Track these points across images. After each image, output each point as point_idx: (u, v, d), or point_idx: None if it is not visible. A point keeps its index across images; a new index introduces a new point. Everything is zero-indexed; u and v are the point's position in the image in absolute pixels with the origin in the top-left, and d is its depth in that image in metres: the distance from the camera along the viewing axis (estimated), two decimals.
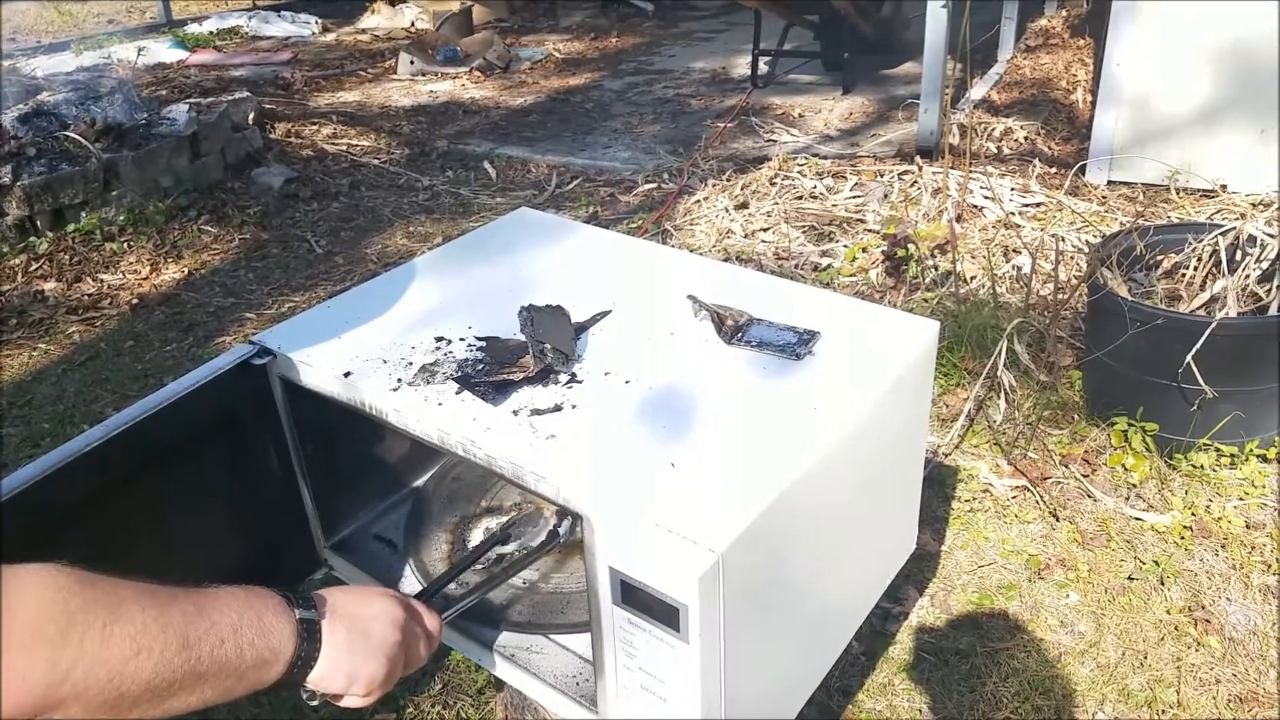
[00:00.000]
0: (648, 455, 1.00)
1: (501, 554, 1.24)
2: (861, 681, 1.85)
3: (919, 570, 2.08)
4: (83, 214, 3.87)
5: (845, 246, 3.39)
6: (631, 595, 0.91)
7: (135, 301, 3.54)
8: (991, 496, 2.29)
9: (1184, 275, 2.40)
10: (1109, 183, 3.88)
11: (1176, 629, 1.91)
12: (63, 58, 6.58)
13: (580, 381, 1.13)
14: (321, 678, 0.83)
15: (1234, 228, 2.37)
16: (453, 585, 1.14)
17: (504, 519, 1.41)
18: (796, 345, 1.16)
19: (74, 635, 0.66)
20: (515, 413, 1.07)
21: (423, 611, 0.97)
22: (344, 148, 5.03)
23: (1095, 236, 3.14)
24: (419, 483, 1.44)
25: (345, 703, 0.89)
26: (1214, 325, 2.08)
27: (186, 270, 3.78)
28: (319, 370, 1.15)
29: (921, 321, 1.22)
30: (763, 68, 5.90)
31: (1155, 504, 2.22)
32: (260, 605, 0.80)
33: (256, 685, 0.79)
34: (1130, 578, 2.04)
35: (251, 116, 4.81)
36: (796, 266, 3.35)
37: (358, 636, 0.87)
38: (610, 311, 1.28)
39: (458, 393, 1.10)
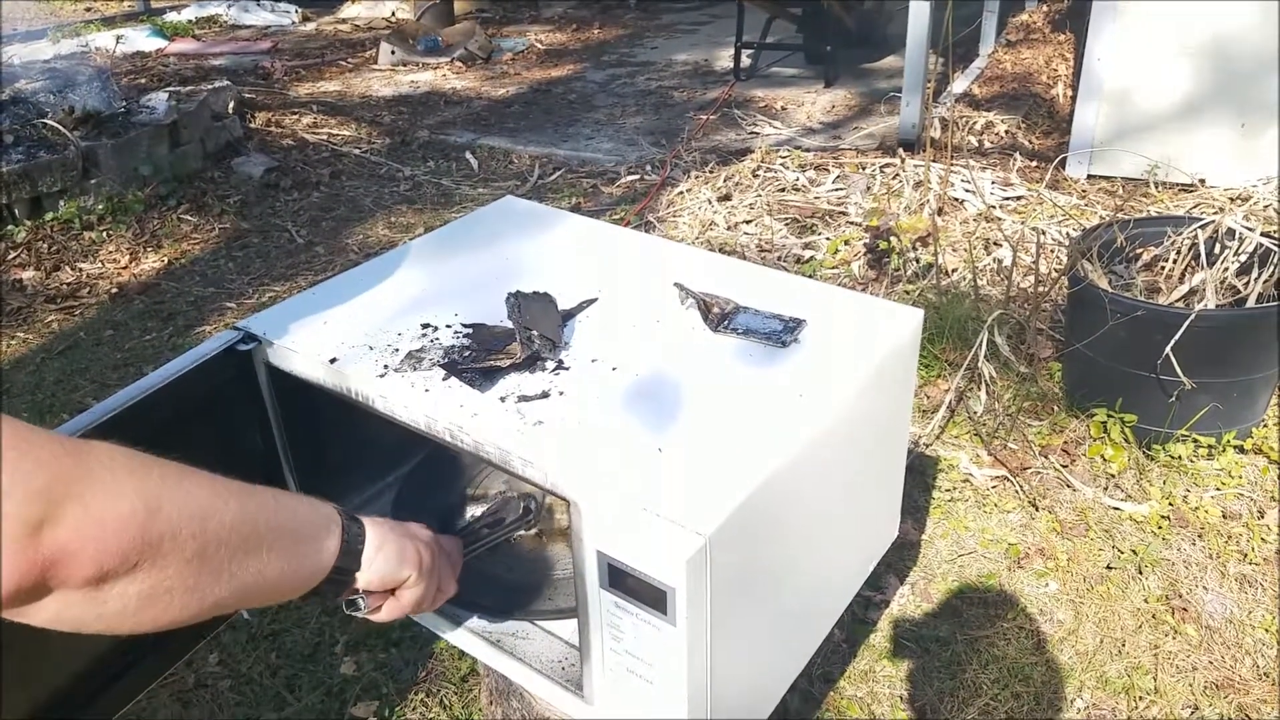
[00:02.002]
0: (635, 441, 1.00)
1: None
2: (843, 669, 1.86)
3: (900, 559, 2.10)
4: (61, 202, 3.82)
5: (827, 239, 3.40)
6: (619, 579, 0.92)
7: (114, 290, 3.50)
8: (972, 486, 2.31)
9: (1163, 268, 2.43)
10: (1089, 176, 3.91)
11: (1154, 617, 1.94)
12: (40, 45, 6.49)
13: (567, 368, 1.13)
14: (373, 554, 0.84)
15: (1213, 221, 2.40)
16: None
17: (489, 506, 1.41)
18: (782, 333, 1.16)
19: (154, 471, 0.65)
20: (502, 399, 1.07)
21: (441, 536, 1.00)
22: (324, 137, 5.00)
23: (1075, 230, 3.17)
24: (404, 470, 1.44)
25: (391, 608, 0.89)
26: (1193, 317, 2.11)
27: (166, 259, 3.74)
28: (304, 356, 1.14)
29: (906, 310, 1.23)
30: (745, 60, 5.90)
31: (1133, 494, 2.25)
32: (293, 493, 0.83)
33: (323, 559, 0.79)
34: (1109, 567, 2.07)
35: (231, 105, 4.76)
36: (779, 259, 3.36)
37: (397, 527, 0.89)
38: (597, 299, 1.28)
39: (444, 379, 1.10)
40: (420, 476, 1.42)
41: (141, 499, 0.62)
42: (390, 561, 0.86)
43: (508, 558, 1.27)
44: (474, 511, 1.39)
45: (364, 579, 0.84)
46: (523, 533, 1.26)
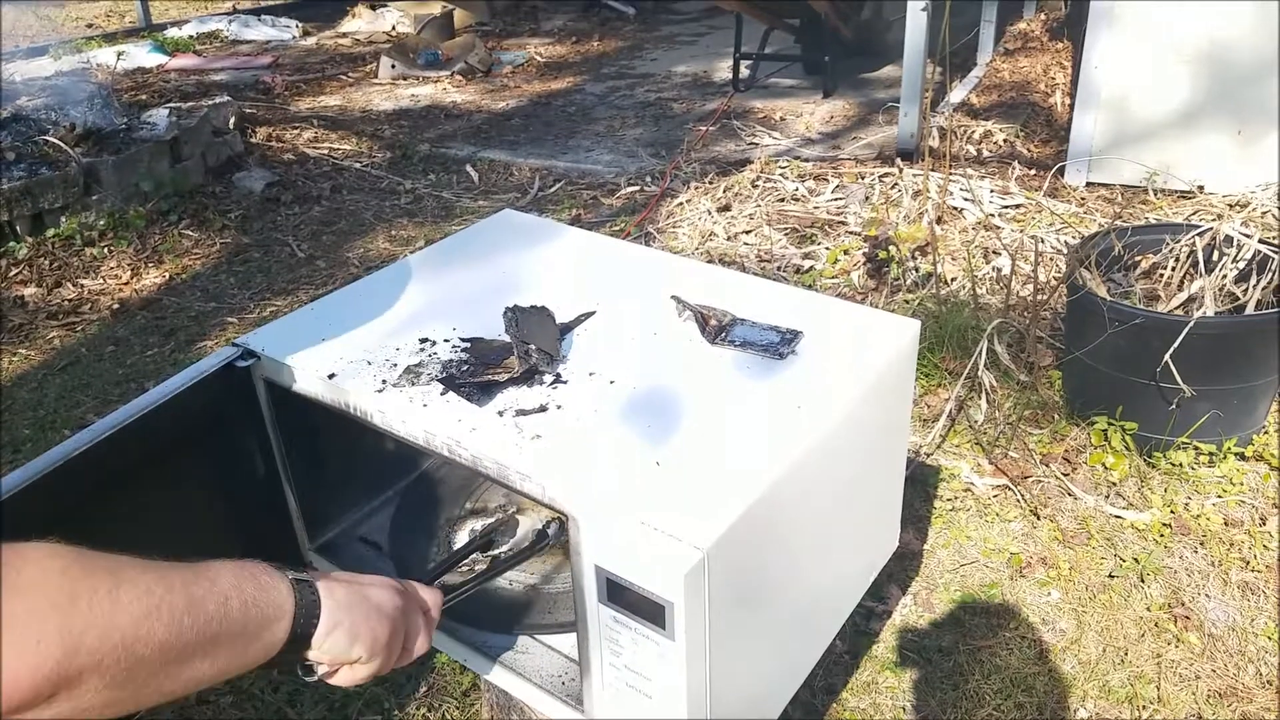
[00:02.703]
0: (633, 454, 1.00)
1: (490, 555, 1.24)
2: (845, 680, 1.86)
3: (902, 569, 2.10)
4: (62, 219, 3.84)
5: (827, 248, 3.41)
6: (618, 593, 0.92)
7: (116, 306, 3.51)
8: (973, 495, 2.31)
9: (1162, 275, 2.43)
10: (1088, 184, 3.92)
11: (1156, 625, 1.94)
12: (41, 62, 6.52)
13: (565, 382, 1.13)
14: (324, 636, 0.82)
15: (1211, 228, 2.40)
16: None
17: (488, 521, 1.41)
18: (779, 345, 1.17)
19: (81, 601, 0.64)
20: (500, 413, 1.07)
21: (419, 587, 0.97)
22: (325, 151, 5.01)
23: (1074, 238, 3.17)
24: (404, 485, 1.44)
25: (346, 676, 0.87)
26: (1192, 324, 2.11)
27: (167, 275, 3.75)
28: (303, 372, 1.15)
29: (902, 321, 1.24)
30: (744, 71, 5.93)
31: (1135, 502, 2.24)
32: (252, 568, 0.80)
33: (267, 650, 0.78)
34: (1111, 575, 2.06)
35: (232, 121, 4.78)
36: (779, 269, 3.37)
37: (356, 597, 0.87)
38: (594, 312, 1.28)
39: (443, 394, 1.10)
40: (419, 490, 1.43)
41: (61, 640, 0.62)
42: (340, 643, 0.84)
43: (509, 572, 1.26)
44: (474, 526, 1.39)
45: (314, 655, 0.83)
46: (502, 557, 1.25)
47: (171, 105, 4.72)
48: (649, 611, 0.90)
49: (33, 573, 0.62)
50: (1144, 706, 1.77)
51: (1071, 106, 4.11)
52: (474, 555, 1.22)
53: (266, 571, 0.80)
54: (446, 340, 1.21)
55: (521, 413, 1.08)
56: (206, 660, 0.72)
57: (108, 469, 1.03)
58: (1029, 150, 4.39)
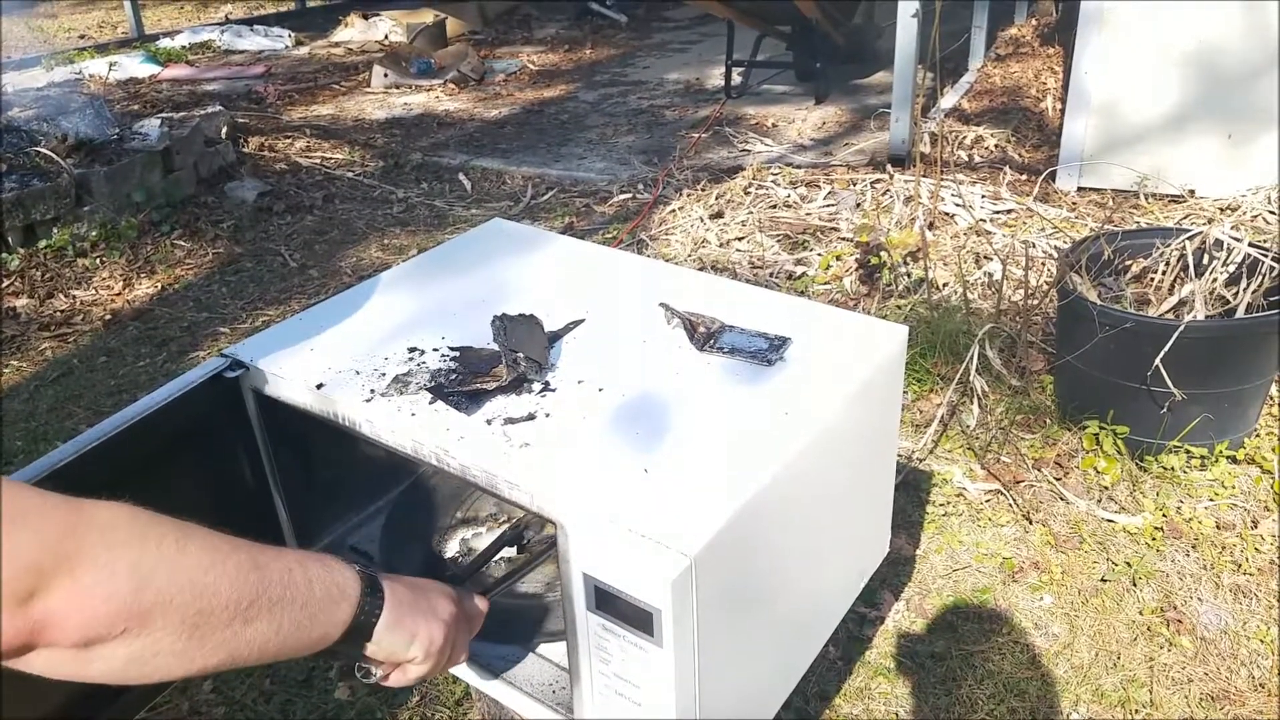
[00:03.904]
0: (621, 462, 1.00)
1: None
2: (838, 686, 1.85)
3: (894, 574, 2.10)
4: (55, 230, 3.83)
5: (819, 255, 3.42)
6: (606, 601, 0.92)
7: (108, 317, 3.51)
8: (965, 500, 2.31)
9: (1152, 280, 2.45)
10: (1079, 189, 3.94)
11: (1149, 629, 1.94)
12: (34, 73, 6.53)
13: (553, 390, 1.13)
14: (385, 632, 0.83)
15: (1201, 232, 2.41)
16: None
17: (480, 530, 1.41)
18: (768, 351, 1.17)
19: (150, 542, 0.66)
20: (489, 422, 1.07)
21: (467, 596, 0.99)
22: (318, 161, 5.02)
23: (1065, 242, 3.18)
24: (394, 494, 1.44)
25: (398, 678, 0.89)
26: (1182, 328, 2.11)
27: (160, 285, 3.75)
28: (291, 382, 1.15)
29: (891, 326, 1.24)
30: (736, 78, 5.95)
31: (1127, 506, 2.25)
32: (319, 554, 0.81)
33: (328, 630, 0.79)
34: (1103, 579, 2.06)
35: (224, 130, 4.79)
36: (771, 275, 3.37)
37: (418, 598, 0.89)
38: (583, 320, 1.28)
39: (431, 403, 1.10)
40: (410, 500, 1.43)
41: (133, 573, 0.64)
42: (400, 641, 0.86)
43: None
44: (465, 535, 1.39)
45: (371, 650, 0.84)
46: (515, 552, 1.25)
47: (164, 115, 4.72)
48: (637, 619, 0.90)
49: (105, 515, 0.65)
50: (1137, 710, 1.77)
51: (1063, 111, 4.13)
52: (506, 549, 1.23)
53: (333, 558, 0.82)
54: (435, 349, 1.21)
55: (510, 421, 1.08)
56: (271, 624, 0.73)
57: (95, 480, 1.03)
58: (1020, 155, 4.41)
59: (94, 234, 3.90)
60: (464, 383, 1.13)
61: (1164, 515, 2.20)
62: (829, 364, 1.16)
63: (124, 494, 1.07)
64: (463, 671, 1.17)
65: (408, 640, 0.86)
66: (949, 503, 2.30)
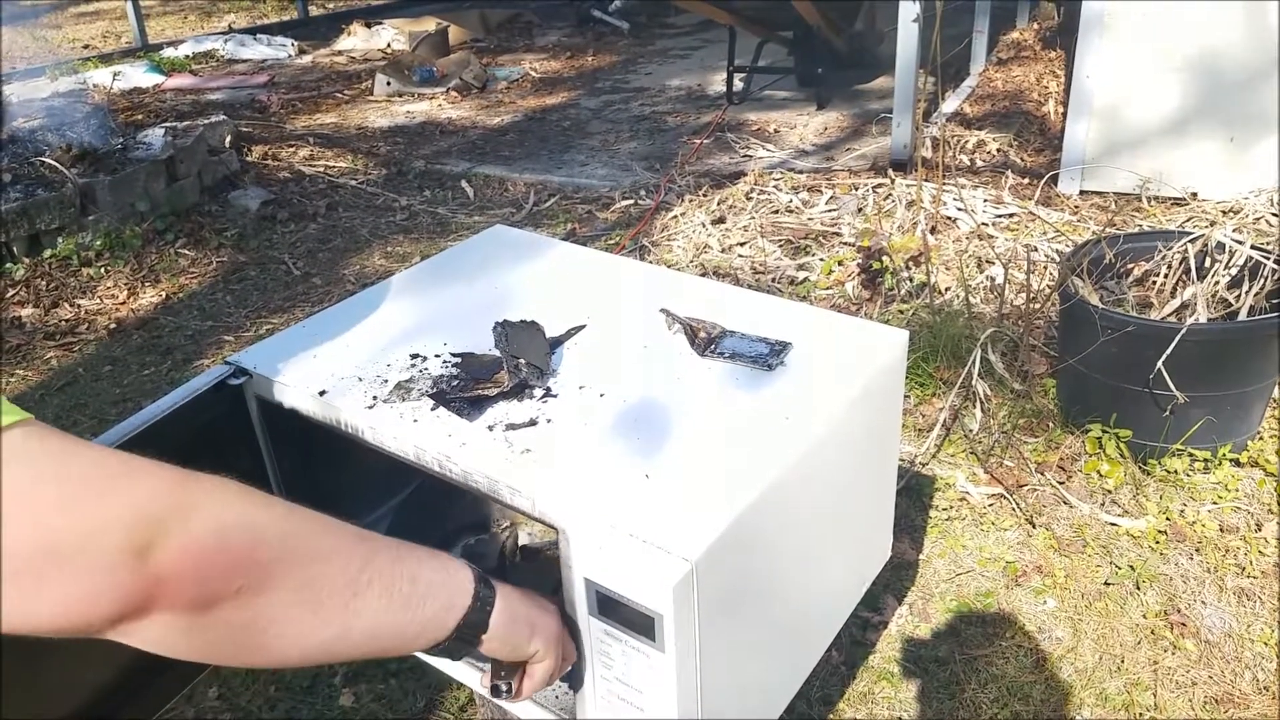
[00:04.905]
0: (622, 467, 1.01)
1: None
2: (842, 690, 1.85)
3: (897, 579, 2.10)
4: (59, 239, 3.85)
5: (821, 260, 3.42)
6: (607, 606, 0.92)
7: (113, 326, 3.52)
8: (968, 505, 2.31)
9: (1155, 283, 2.45)
10: (1081, 193, 3.94)
11: (1153, 633, 1.94)
12: (38, 83, 6.56)
13: (555, 396, 1.14)
14: (503, 627, 0.82)
15: (1203, 235, 2.41)
16: None
17: (483, 535, 1.42)
18: (768, 356, 1.17)
19: (258, 500, 0.66)
20: (490, 428, 1.08)
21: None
22: (321, 169, 5.04)
23: (1067, 246, 3.18)
24: (397, 501, 1.44)
25: (529, 685, 0.89)
26: (1184, 331, 2.11)
27: (164, 294, 3.77)
28: (294, 389, 1.15)
29: (891, 331, 1.24)
30: (738, 84, 5.96)
31: (1130, 509, 2.24)
32: (429, 550, 0.80)
33: (442, 617, 0.77)
34: (1106, 583, 2.06)
35: (228, 139, 4.81)
36: (773, 280, 3.38)
37: (527, 598, 0.88)
38: (585, 326, 1.29)
39: (433, 409, 1.11)
40: (413, 507, 1.43)
41: (246, 526, 0.64)
42: (520, 632, 0.85)
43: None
44: (468, 541, 1.40)
45: (492, 645, 0.83)
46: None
47: (167, 125, 4.74)
48: (639, 624, 0.90)
49: (210, 481, 0.65)
50: (1141, 714, 1.77)
51: (1065, 115, 4.13)
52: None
53: (443, 556, 0.81)
54: (437, 356, 1.22)
55: (511, 427, 1.08)
56: (381, 599, 0.72)
57: None
58: (1022, 159, 4.42)
59: (98, 243, 3.91)
60: (466, 389, 1.14)
61: (1167, 518, 2.20)
62: (830, 369, 1.17)
63: None
64: (466, 676, 1.17)
65: (528, 634, 0.85)
66: (952, 507, 2.30)
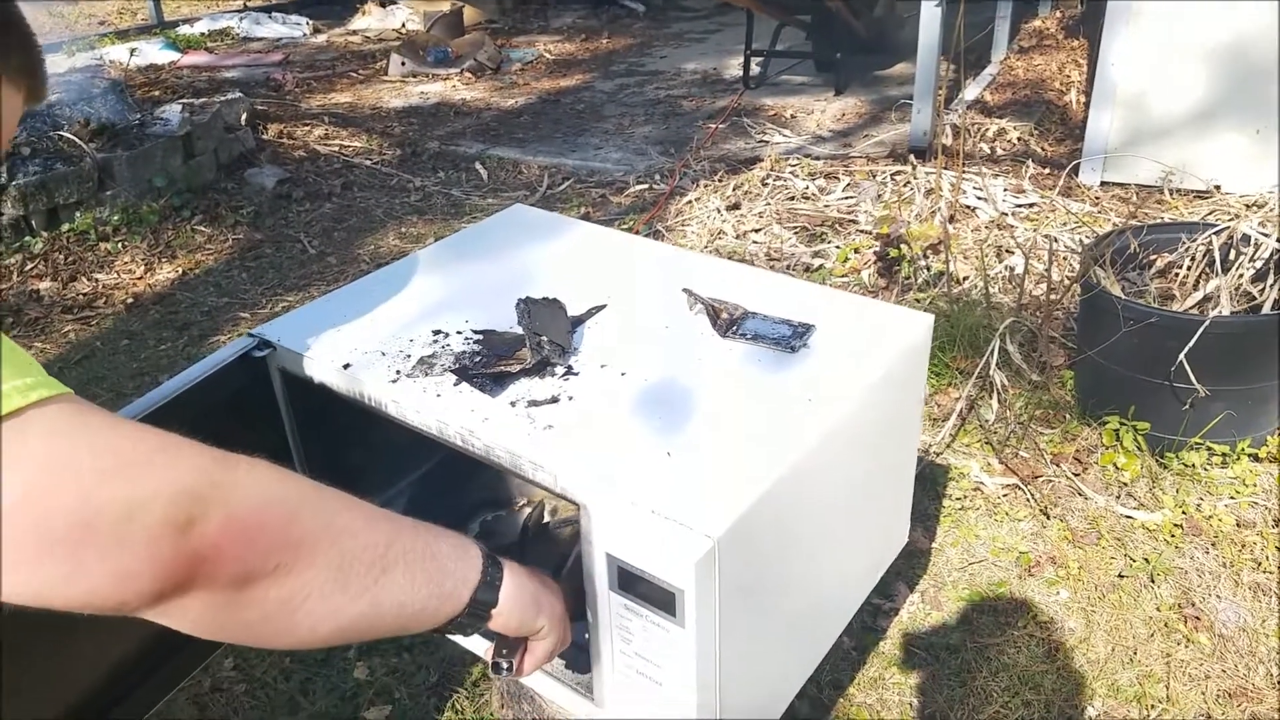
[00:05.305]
0: (644, 445, 1.01)
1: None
2: (852, 676, 1.86)
3: (910, 567, 2.10)
4: (77, 213, 3.86)
5: (837, 247, 3.41)
6: (628, 581, 0.92)
7: (130, 301, 3.54)
8: (983, 495, 2.30)
9: (1177, 275, 2.42)
10: (1102, 183, 3.90)
11: (1166, 625, 1.93)
12: (55, 59, 6.56)
13: (576, 374, 1.14)
14: (511, 601, 0.83)
15: (1228, 227, 2.39)
16: None
17: (500, 512, 1.42)
18: (791, 338, 1.17)
19: (292, 480, 0.68)
20: (513, 404, 1.08)
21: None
22: (336, 149, 5.03)
23: (1088, 237, 3.16)
24: (417, 475, 1.45)
25: (530, 661, 0.90)
26: (1207, 324, 2.10)
27: (181, 270, 3.78)
28: (318, 362, 1.16)
29: (915, 314, 1.24)
30: (755, 68, 5.92)
31: (1146, 502, 2.23)
32: (436, 527, 0.82)
33: (459, 592, 0.79)
34: (1120, 575, 2.05)
35: (244, 117, 4.81)
36: (788, 267, 3.37)
37: (533, 575, 0.90)
38: (606, 305, 1.29)
39: (456, 384, 1.11)
40: (433, 481, 1.44)
41: (283, 503, 0.66)
42: (528, 608, 0.86)
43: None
44: (486, 517, 1.40)
45: (501, 620, 0.84)
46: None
47: (184, 101, 4.74)
48: (660, 599, 0.90)
49: (247, 461, 0.65)
50: (1152, 706, 1.77)
51: (1087, 105, 4.10)
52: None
53: (449, 531, 0.83)
54: (459, 332, 1.22)
55: (533, 403, 1.08)
56: (407, 575, 0.73)
57: None
58: (1043, 149, 4.38)
59: (116, 218, 3.92)
60: (488, 365, 1.14)
61: (1184, 512, 2.19)
62: (853, 351, 1.16)
63: None
64: (478, 647, 1.18)
65: (534, 607, 0.86)
66: (966, 497, 2.30)
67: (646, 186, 4.35)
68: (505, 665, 0.89)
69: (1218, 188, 3.61)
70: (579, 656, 1.09)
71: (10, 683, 0.86)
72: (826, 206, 3.73)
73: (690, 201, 4.00)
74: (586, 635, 1.01)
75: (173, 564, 0.58)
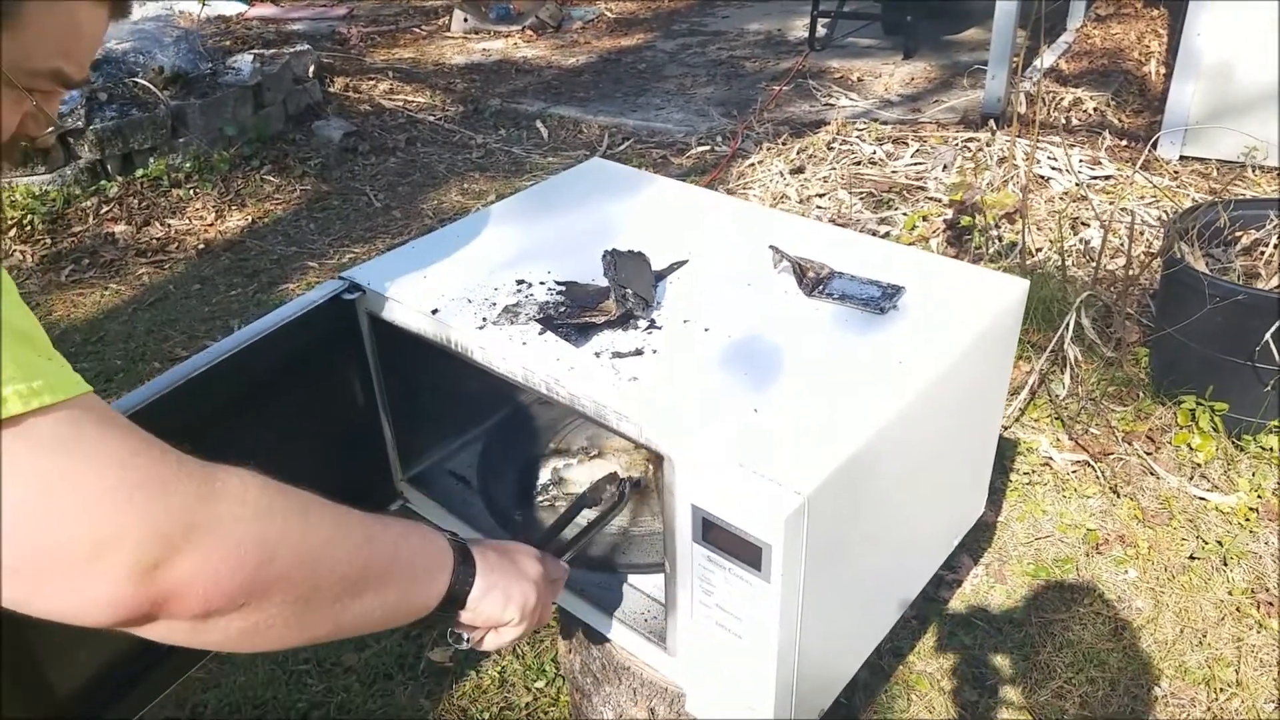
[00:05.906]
0: (729, 400, 1.00)
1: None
2: (913, 644, 1.85)
3: (974, 540, 2.08)
4: (151, 159, 3.94)
5: (905, 214, 3.34)
6: (713, 533, 0.92)
7: (201, 247, 3.61)
8: (1051, 470, 2.27)
9: (1263, 252, 2.34)
10: (1181, 158, 3.77)
11: (1238, 610, 1.89)
12: None
13: (660, 328, 1.13)
14: (479, 597, 0.84)
15: None
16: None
17: (571, 461, 1.43)
18: (880, 299, 1.15)
19: (277, 516, 0.66)
20: (597, 355, 1.08)
21: (550, 559, 0.99)
22: (400, 104, 5.06)
23: (1167, 212, 3.06)
24: (491, 423, 1.47)
25: (493, 641, 0.90)
26: None
27: (250, 218, 3.84)
28: (406, 307, 1.17)
29: (1010, 279, 1.21)
30: (821, 30, 5.79)
31: (1220, 484, 2.18)
32: (417, 524, 0.82)
33: (427, 600, 0.80)
34: (1191, 557, 2.01)
35: (312, 70, 4.84)
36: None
37: (507, 562, 0.89)
38: (687, 261, 1.28)
39: (540, 333, 1.11)
40: (506, 430, 1.45)
41: (258, 547, 0.64)
42: (495, 606, 0.86)
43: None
44: (556, 465, 1.41)
45: (467, 617, 0.85)
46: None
47: (255, 52, 4.79)
48: (746, 553, 0.90)
49: (235, 486, 0.64)
50: (1221, 689, 1.74)
51: (1167, 76, 3.94)
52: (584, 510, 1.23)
53: (428, 528, 0.83)
54: (542, 282, 1.22)
55: (618, 355, 1.08)
56: (377, 597, 0.74)
57: (223, 392, 1.07)
58: (1120, 120, 4.24)
59: (188, 165, 4.00)
60: (572, 315, 1.14)
61: (1259, 496, 2.13)
62: (944, 315, 1.14)
63: (244, 407, 1.11)
64: (561, 598, 1.19)
65: (503, 604, 0.86)
66: (1034, 471, 2.26)
67: (708, 148, 4.31)
68: (466, 637, 0.89)
69: None
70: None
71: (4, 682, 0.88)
72: (894, 172, 3.66)
73: (753, 164, 3.95)
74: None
75: (132, 602, 0.59)
